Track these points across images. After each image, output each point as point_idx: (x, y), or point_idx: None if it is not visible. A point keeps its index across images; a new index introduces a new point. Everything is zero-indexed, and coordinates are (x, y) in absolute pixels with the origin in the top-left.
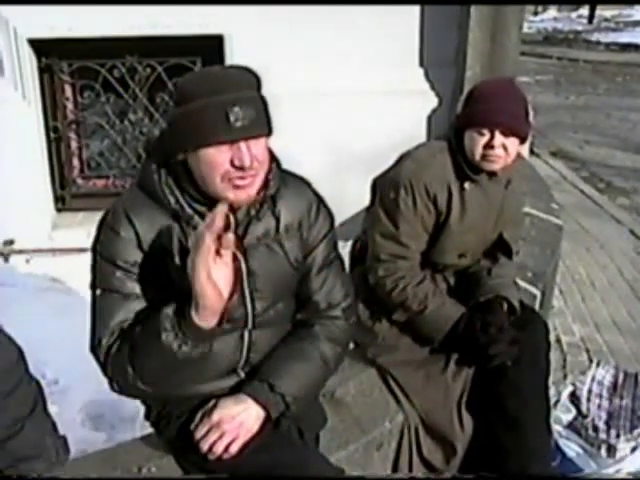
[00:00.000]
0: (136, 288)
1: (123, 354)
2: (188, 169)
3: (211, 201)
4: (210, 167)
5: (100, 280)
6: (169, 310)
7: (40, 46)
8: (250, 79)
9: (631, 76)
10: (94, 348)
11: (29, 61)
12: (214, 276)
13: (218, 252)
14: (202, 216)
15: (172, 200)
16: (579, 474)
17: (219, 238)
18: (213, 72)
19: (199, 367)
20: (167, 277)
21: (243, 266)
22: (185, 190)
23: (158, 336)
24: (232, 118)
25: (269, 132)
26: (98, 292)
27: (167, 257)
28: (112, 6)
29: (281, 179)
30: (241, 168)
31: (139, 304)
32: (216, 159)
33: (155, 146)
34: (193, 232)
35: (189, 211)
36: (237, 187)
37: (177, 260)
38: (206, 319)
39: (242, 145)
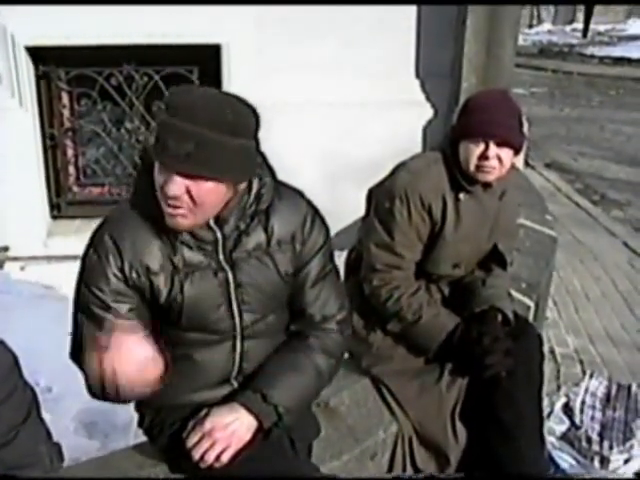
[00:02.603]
0: (113, 311)
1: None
2: None
3: None
4: (156, 182)
5: (83, 306)
6: None
7: (38, 53)
8: (229, 120)
9: (624, 89)
10: (72, 358)
11: (26, 68)
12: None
13: None
14: (190, 232)
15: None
16: (577, 475)
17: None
18: (192, 94)
19: (190, 377)
20: (151, 294)
21: (230, 278)
22: None
23: None
24: (170, 145)
25: (220, 178)
26: (80, 316)
27: (151, 276)
28: (109, 13)
29: (275, 191)
30: (168, 197)
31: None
32: (157, 177)
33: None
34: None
35: None
36: (168, 213)
37: (162, 276)
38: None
39: (174, 176)
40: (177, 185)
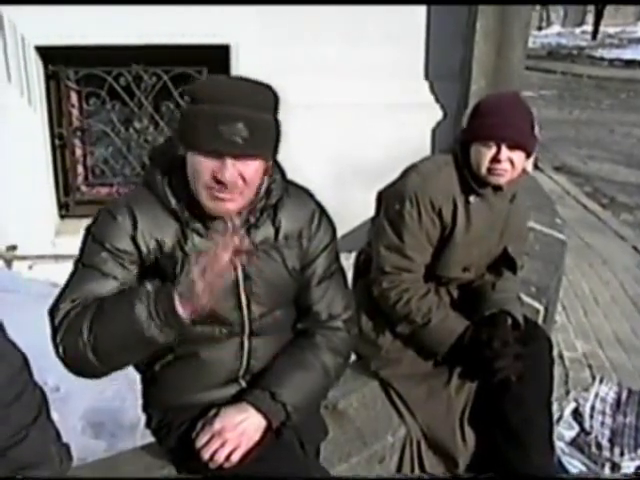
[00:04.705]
0: (116, 272)
1: (82, 318)
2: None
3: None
4: (195, 172)
5: (84, 256)
6: (150, 285)
7: (47, 53)
8: (263, 99)
9: (635, 92)
10: (52, 310)
11: (36, 68)
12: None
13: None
14: (201, 219)
15: (173, 201)
16: (577, 474)
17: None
18: (227, 82)
19: (197, 376)
20: (154, 273)
21: (239, 270)
22: (186, 192)
23: (131, 305)
24: (223, 131)
25: (266, 156)
26: (79, 266)
27: (160, 254)
28: (118, 13)
29: (284, 189)
30: (221, 183)
31: (115, 286)
32: (201, 166)
33: (161, 149)
34: (210, 230)
35: (188, 213)
36: (217, 199)
37: (172, 260)
38: (186, 311)
39: (228, 161)
40: (231, 170)
